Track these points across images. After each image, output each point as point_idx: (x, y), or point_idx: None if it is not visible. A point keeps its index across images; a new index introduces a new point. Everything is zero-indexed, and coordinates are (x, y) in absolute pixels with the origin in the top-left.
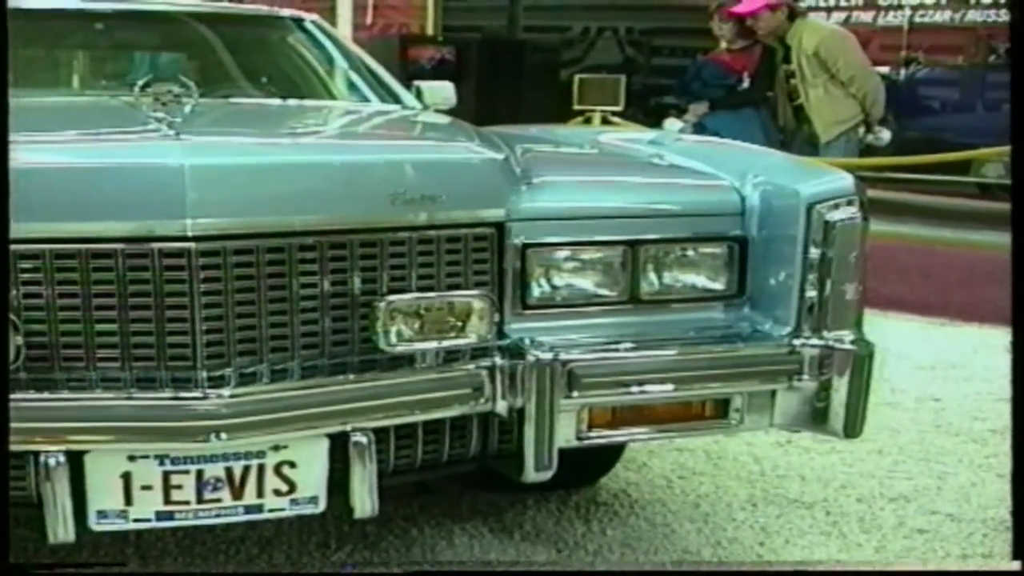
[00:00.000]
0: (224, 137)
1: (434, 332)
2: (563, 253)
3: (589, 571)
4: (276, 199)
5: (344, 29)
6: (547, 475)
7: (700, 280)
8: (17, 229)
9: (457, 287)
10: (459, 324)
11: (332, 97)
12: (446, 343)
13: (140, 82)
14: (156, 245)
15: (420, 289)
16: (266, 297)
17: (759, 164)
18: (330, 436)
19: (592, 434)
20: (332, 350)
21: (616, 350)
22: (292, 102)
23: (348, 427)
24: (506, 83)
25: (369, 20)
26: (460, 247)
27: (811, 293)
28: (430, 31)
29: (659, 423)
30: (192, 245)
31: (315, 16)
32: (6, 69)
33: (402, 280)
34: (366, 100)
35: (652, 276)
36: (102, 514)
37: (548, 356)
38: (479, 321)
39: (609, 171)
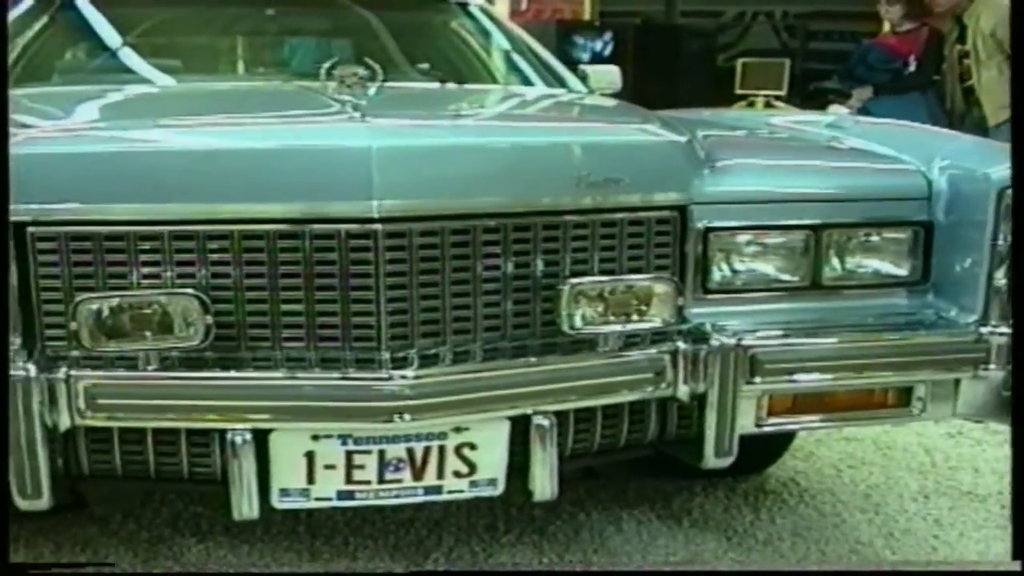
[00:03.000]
0: (410, 119)
1: (617, 315)
2: (745, 237)
3: (603, 572)
4: (462, 181)
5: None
6: (727, 462)
7: (884, 266)
8: (206, 210)
9: (638, 270)
10: (642, 308)
11: (495, 81)
12: (630, 327)
13: (326, 65)
14: (343, 226)
15: (601, 272)
16: (450, 279)
17: (946, 147)
18: (511, 419)
19: (772, 421)
20: (513, 333)
21: (798, 336)
22: (468, 85)
23: (530, 410)
24: (662, 67)
25: (524, 5)
26: (642, 230)
27: (1000, 280)
28: (587, 16)
29: (839, 411)
30: (379, 227)
31: (480, 0)
32: (6, 69)
33: (584, 263)
34: (531, 84)
35: (835, 261)
36: (285, 492)
37: (731, 341)
38: (662, 305)
39: (790, 155)
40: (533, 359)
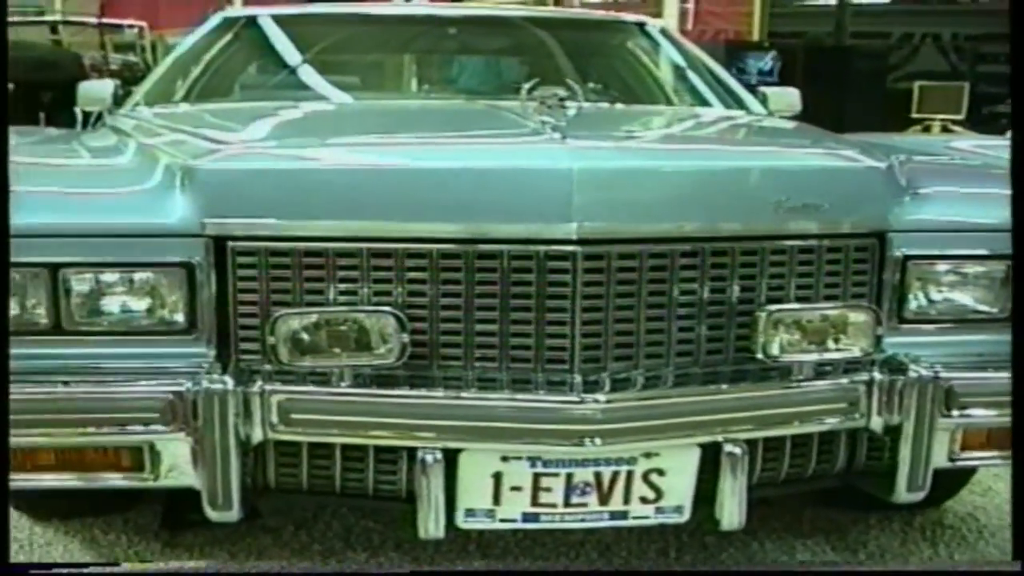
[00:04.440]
0: (609, 141)
1: (814, 344)
2: (944, 267)
3: (600, 571)
4: (661, 204)
5: None
6: (919, 496)
7: None
8: (405, 228)
9: (834, 298)
10: (839, 336)
11: (670, 102)
12: (827, 355)
13: (527, 86)
14: (541, 247)
15: (798, 299)
16: (645, 303)
17: None
18: (701, 445)
19: (965, 455)
20: (706, 358)
21: (996, 369)
22: (658, 107)
23: (720, 437)
24: (831, 89)
25: (690, 25)
26: (840, 257)
27: None
28: (755, 37)
29: None
30: (577, 248)
31: (659, 21)
32: (5, 69)
33: (780, 289)
34: (709, 105)
35: None
36: (470, 512)
37: (929, 373)
38: (859, 334)
39: (989, 183)
40: (725, 386)
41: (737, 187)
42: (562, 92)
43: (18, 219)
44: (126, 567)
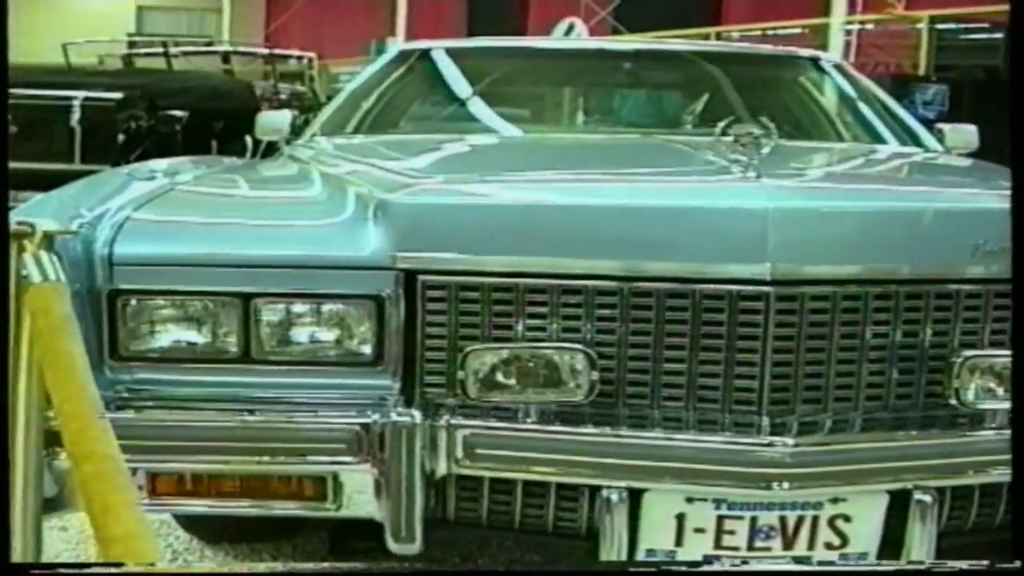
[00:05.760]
0: (803, 181)
1: (1010, 391)
2: None
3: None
4: (855, 245)
5: None
6: None
7: None
8: (596, 266)
9: None
10: None
11: (841, 138)
12: None
13: (721, 124)
14: (733, 287)
15: (991, 344)
16: (836, 345)
17: None
18: (889, 492)
19: None
20: (895, 403)
21: None
22: (836, 144)
23: (910, 485)
24: (1000, 125)
25: (852, 58)
26: None
27: None
28: (922, 70)
29: None
30: (770, 289)
31: (833, 55)
32: (6, 66)
33: (974, 335)
34: (883, 142)
35: None
36: (651, 553)
37: None
38: None
39: None
40: (915, 432)
41: (937, 229)
42: (756, 130)
43: (213, 248)
44: (127, 568)
